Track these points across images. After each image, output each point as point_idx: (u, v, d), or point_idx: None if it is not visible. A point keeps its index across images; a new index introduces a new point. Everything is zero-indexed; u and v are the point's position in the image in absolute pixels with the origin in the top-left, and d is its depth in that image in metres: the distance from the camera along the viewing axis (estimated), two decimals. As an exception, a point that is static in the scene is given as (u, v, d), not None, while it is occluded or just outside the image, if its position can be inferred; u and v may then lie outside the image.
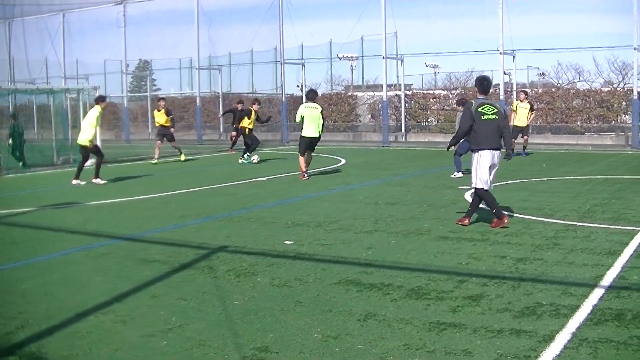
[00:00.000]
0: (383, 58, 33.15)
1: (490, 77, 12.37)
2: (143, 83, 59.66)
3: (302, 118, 18.18)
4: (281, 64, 37.00)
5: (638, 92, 29.14)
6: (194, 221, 11.87)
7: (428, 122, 36.19)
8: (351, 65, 44.66)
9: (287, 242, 9.93)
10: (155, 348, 5.81)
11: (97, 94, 20.92)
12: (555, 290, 7.26)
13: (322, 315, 6.59)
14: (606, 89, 34.23)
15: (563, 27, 64.87)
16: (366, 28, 51.48)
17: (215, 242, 9.96)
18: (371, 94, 38.45)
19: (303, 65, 38.25)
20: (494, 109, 10.93)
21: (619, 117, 32.45)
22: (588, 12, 70.78)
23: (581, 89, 34.84)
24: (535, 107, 27.19)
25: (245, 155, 23.80)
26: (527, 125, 24.96)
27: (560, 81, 39.17)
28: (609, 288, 7.33)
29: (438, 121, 35.68)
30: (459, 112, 17.16)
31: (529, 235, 10.07)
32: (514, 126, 24.10)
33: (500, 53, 31.23)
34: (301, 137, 18.31)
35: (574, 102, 32.71)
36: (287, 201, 14.10)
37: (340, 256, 9.02)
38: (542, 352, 5.51)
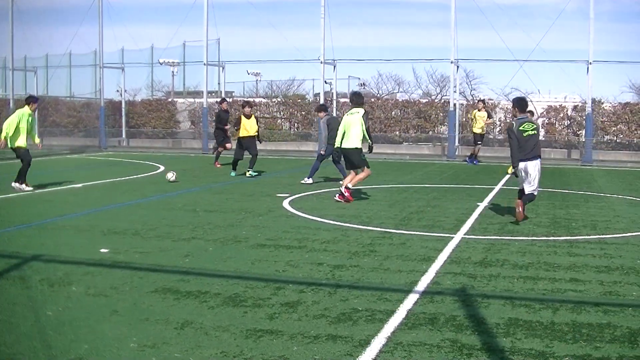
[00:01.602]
0: (204, 64, 32.92)
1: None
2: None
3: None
4: (100, 67, 35.87)
5: (454, 104, 30.47)
6: (5, 230, 11.19)
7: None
8: (172, 71, 44.11)
9: (103, 250, 9.53)
10: (-50, 365, 5.36)
11: None
12: (371, 296, 7.32)
13: (138, 324, 6.33)
14: (424, 100, 35.59)
15: (384, 38, 67.02)
16: (188, 34, 51.15)
17: (28, 251, 9.39)
18: (192, 100, 38.07)
19: (123, 69, 37.29)
20: (533, 125, 12.38)
21: (436, 128, 33.80)
22: (409, 26, 73.50)
23: (400, 100, 36.05)
24: (492, 114, 29.04)
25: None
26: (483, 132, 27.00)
27: (380, 91, 40.37)
28: (423, 293, 7.49)
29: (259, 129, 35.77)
30: (319, 119, 18.36)
31: (346, 243, 10.17)
32: (473, 133, 26.62)
33: (322, 62, 31.74)
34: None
35: (393, 112, 33.75)
36: (104, 208, 13.59)
37: (158, 264, 8.74)
38: (358, 356, 5.53)
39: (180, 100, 39.16)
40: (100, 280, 7.90)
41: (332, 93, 34.68)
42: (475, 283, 7.95)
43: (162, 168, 22.74)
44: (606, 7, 54.88)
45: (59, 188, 16.89)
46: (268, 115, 35.25)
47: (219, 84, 38.64)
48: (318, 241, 10.25)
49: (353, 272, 8.41)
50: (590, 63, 29.32)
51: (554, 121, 33.35)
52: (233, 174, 20.27)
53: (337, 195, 14.55)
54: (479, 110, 26.90)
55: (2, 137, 15.76)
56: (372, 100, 35.58)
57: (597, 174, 23.47)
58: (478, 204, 14.57)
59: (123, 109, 36.87)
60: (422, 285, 7.80)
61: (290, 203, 14.18)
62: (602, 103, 32.18)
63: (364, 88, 41.17)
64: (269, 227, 11.42)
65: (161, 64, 41.28)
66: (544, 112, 33.40)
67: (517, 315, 6.72)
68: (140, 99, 39.71)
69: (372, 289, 7.61)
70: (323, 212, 12.66)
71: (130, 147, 35.33)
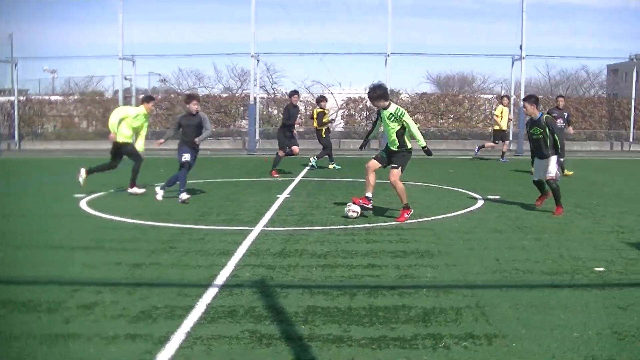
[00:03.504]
0: (-4, 62, 31.37)
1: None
2: None
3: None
4: None
5: (254, 98, 30.72)
6: None
7: (44, 128, 34.84)
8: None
9: None
10: None
11: None
12: (170, 292, 7.26)
13: None
14: (225, 95, 35.65)
15: (185, 34, 66.39)
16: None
17: None
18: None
19: None
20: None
21: (237, 122, 33.97)
22: (210, 21, 73.28)
23: (201, 95, 35.89)
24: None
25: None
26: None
27: (180, 87, 40.02)
28: (223, 286, 7.51)
29: (54, 127, 34.54)
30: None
31: (145, 241, 10.01)
32: (501, 131, 25.68)
33: (120, 58, 31.10)
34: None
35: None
36: None
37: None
38: (157, 354, 5.47)
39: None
40: None
41: (132, 89, 34.04)
42: (274, 274, 8.07)
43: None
44: (405, 2, 57.19)
45: None
46: (65, 114, 34.04)
47: (12, 81, 36.86)
48: (116, 240, 10.02)
49: (152, 269, 8.31)
50: (388, 55, 30.49)
51: (354, 112, 34.43)
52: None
53: None
54: (505, 106, 25.96)
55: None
56: (172, 96, 35.23)
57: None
58: (278, 196, 14.78)
59: None
60: (221, 279, 7.82)
61: (87, 203, 13.77)
62: (400, 94, 33.53)
63: (164, 84, 40.73)
64: (66, 228, 11.04)
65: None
66: (344, 104, 34.41)
67: (315, 302, 6.89)
68: None
69: (172, 286, 7.55)
70: (121, 211, 12.40)
71: None
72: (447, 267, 8.52)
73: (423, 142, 12.20)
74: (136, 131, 15.46)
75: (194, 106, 14.52)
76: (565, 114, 21.13)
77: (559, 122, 19.88)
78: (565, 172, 19.59)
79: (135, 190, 15.24)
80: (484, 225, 11.47)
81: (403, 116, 11.83)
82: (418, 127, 12.49)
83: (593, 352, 5.57)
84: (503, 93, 39.23)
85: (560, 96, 22.08)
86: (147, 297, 7.07)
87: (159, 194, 14.17)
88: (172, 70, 62.72)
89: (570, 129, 21.76)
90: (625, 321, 6.36)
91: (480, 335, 5.97)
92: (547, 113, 19.74)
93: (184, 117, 14.54)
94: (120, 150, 15.23)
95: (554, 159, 12.74)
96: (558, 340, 5.85)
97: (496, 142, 26.17)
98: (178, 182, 14.04)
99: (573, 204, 13.49)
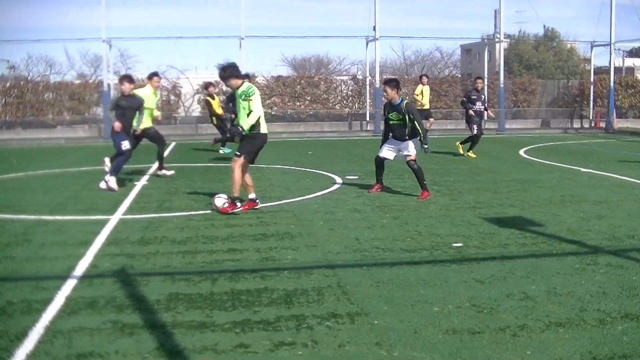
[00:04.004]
0: None
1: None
2: None
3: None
4: None
5: (108, 85, 30.04)
6: None
7: None
8: None
9: None
10: None
11: None
12: (26, 286, 7.05)
13: None
14: (78, 82, 34.69)
15: (36, 20, 63.75)
16: None
17: None
18: None
19: None
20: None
21: (92, 109, 33.17)
22: (57, 4, 70.82)
23: (53, 82, 34.78)
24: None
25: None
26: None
27: (31, 74, 38.64)
28: (82, 278, 7.37)
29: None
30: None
31: (-4, 235, 9.67)
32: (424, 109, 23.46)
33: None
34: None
35: (45, 96, 32.44)
36: None
37: None
38: (15, 350, 5.31)
39: None
40: None
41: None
42: (134, 262, 7.98)
43: None
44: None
45: None
46: None
47: None
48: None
49: (6, 264, 8.02)
50: (243, 38, 30.41)
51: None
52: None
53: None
54: (424, 85, 24.05)
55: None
56: (22, 83, 33.96)
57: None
58: (135, 183, 14.55)
59: None
60: (80, 270, 7.66)
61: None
62: (256, 77, 33.58)
63: (14, 71, 39.20)
64: None
65: None
66: (199, 89, 34.14)
67: (177, 289, 6.87)
68: None
69: (28, 280, 7.33)
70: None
71: None
72: (307, 248, 8.66)
73: (247, 126, 10.82)
74: (151, 111, 15.39)
75: (125, 87, 13.92)
76: (483, 96, 21.14)
77: (478, 104, 20.03)
78: (469, 153, 19.88)
79: (164, 172, 15.54)
80: (343, 205, 11.69)
81: (252, 94, 10.82)
82: (265, 113, 12.05)
83: (453, 325, 5.81)
84: (422, 73, 40.00)
85: (479, 78, 22.16)
86: (2, 293, 6.84)
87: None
88: (21, 56, 60.55)
89: (490, 112, 21.74)
90: (484, 294, 6.66)
91: (342, 314, 6.11)
92: (465, 95, 19.97)
93: (122, 99, 13.98)
94: (142, 136, 15.17)
95: (413, 142, 12.64)
96: (419, 315, 6.06)
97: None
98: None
99: (430, 181, 13.90)
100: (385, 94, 12.87)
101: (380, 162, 13.11)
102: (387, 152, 12.98)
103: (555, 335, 5.55)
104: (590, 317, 5.97)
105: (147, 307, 6.35)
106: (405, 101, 12.72)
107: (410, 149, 12.61)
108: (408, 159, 12.59)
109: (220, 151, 21.53)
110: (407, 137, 12.64)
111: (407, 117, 12.49)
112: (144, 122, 14.81)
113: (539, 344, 5.36)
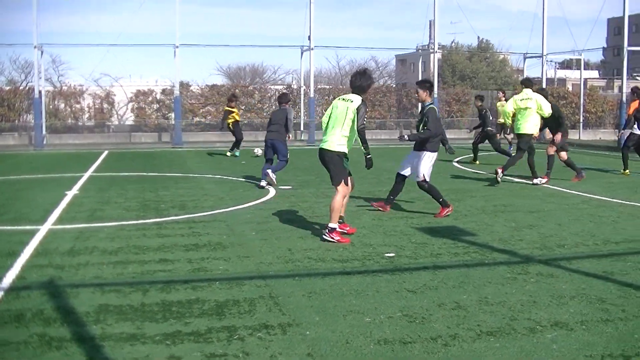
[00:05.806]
0: None
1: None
2: None
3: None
4: None
5: (40, 92, 29.53)
6: None
7: None
8: None
9: None
10: None
11: None
12: (-50, 299, 6.87)
13: None
14: (8, 88, 34.07)
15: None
16: None
17: None
18: None
19: None
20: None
21: (22, 117, 32.61)
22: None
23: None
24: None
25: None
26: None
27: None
28: (9, 290, 7.19)
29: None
30: None
31: None
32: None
33: None
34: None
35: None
36: None
37: None
38: (-64, 366, 5.17)
39: None
40: None
41: None
42: (63, 274, 7.83)
43: None
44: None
45: None
46: None
47: None
48: None
49: None
50: (177, 46, 30.19)
51: (144, 105, 33.90)
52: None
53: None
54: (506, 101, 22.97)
55: None
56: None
57: (188, 156, 24.35)
58: (66, 192, 14.31)
59: None
60: (6, 281, 7.47)
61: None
62: (190, 86, 33.35)
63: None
64: None
65: None
66: (133, 97, 33.82)
67: (107, 301, 6.76)
68: None
69: (-48, 292, 7.14)
70: None
71: None
72: (239, 258, 8.61)
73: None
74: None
75: None
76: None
77: None
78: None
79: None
80: (277, 215, 11.67)
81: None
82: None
83: (385, 335, 5.82)
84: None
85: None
86: None
87: None
88: (-53, 63, 59.23)
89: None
90: (415, 303, 6.70)
91: (274, 325, 6.08)
92: None
93: None
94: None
95: (426, 156, 11.71)
96: (351, 325, 6.07)
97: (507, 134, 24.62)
98: None
99: (365, 192, 13.99)
100: (416, 95, 12.11)
101: (400, 178, 12.26)
102: (404, 168, 12.17)
103: (486, 344, 5.61)
104: (520, 326, 6.05)
105: (75, 319, 6.23)
106: (430, 106, 11.74)
107: (420, 170, 11.72)
108: (418, 180, 11.86)
109: (228, 153, 24.13)
110: (418, 147, 11.84)
111: (423, 121, 11.75)
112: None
113: (470, 353, 5.42)
